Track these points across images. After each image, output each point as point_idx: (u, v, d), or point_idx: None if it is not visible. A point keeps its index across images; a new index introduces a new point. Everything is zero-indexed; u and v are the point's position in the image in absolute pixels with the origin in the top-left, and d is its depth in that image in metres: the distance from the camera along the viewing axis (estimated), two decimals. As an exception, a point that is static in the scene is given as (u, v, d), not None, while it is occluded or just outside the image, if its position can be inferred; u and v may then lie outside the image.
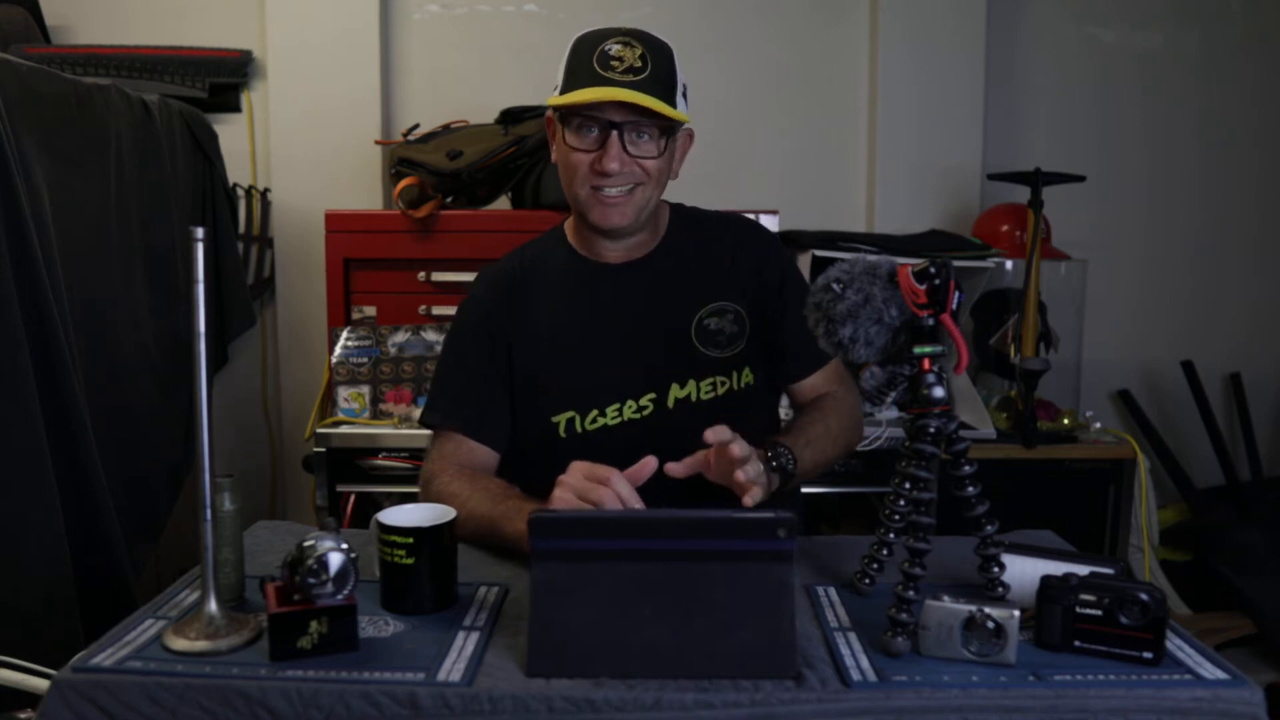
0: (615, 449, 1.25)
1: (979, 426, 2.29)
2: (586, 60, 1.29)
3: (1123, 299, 2.91)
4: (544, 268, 1.45)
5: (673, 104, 1.31)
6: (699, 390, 1.37)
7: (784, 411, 2.15)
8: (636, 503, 1.14)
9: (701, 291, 1.41)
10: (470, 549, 1.30)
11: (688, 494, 1.25)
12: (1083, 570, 1.07)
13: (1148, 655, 1.01)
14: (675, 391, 1.36)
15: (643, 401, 1.36)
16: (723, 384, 1.38)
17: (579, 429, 1.37)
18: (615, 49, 1.28)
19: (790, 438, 1.34)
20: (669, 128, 1.33)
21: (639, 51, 1.29)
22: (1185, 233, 2.95)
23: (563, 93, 1.32)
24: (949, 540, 1.21)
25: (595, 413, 1.36)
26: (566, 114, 1.32)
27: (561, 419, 1.37)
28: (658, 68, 1.30)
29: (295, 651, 1.00)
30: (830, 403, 1.45)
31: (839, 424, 1.42)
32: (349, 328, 2.29)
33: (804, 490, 2.27)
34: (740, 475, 1.17)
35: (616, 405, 1.36)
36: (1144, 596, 1.01)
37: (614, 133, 1.28)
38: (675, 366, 1.37)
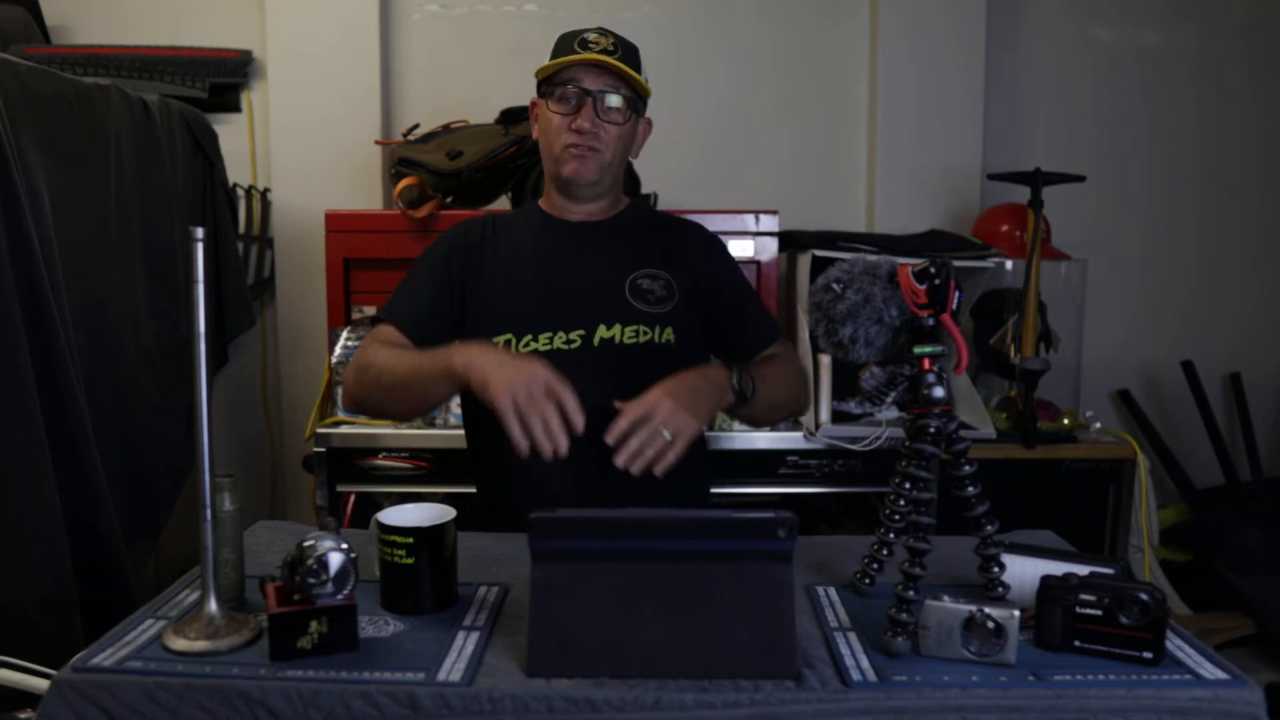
0: None
1: (979, 426, 2.29)
2: (567, 44, 1.54)
3: (1123, 299, 2.91)
4: (516, 222, 1.68)
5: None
6: (623, 334, 1.53)
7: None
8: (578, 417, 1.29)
9: (640, 258, 1.60)
10: (469, 550, 1.30)
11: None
12: (1083, 570, 1.07)
13: (1148, 655, 1.01)
14: (602, 332, 1.53)
15: (572, 335, 1.53)
16: (645, 334, 1.54)
17: (514, 350, 1.53)
18: (592, 35, 1.54)
19: (750, 368, 1.54)
20: (633, 103, 1.55)
21: (611, 40, 1.54)
22: (1185, 233, 2.95)
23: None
24: (949, 540, 1.22)
25: (529, 337, 1.53)
26: (549, 87, 1.55)
27: (500, 339, 1.53)
28: (626, 55, 1.53)
29: (295, 651, 1.00)
30: (780, 358, 1.64)
31: (793, 374, 1.63)
32: (349, 328, 2.29)
33: (804, 490, 2.29)
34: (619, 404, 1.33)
35: (549, 334, 1.53)
36: (1144, 596, 1.01)
37: (589, 99, 1.51)
38: (605, 311, 1.55)
